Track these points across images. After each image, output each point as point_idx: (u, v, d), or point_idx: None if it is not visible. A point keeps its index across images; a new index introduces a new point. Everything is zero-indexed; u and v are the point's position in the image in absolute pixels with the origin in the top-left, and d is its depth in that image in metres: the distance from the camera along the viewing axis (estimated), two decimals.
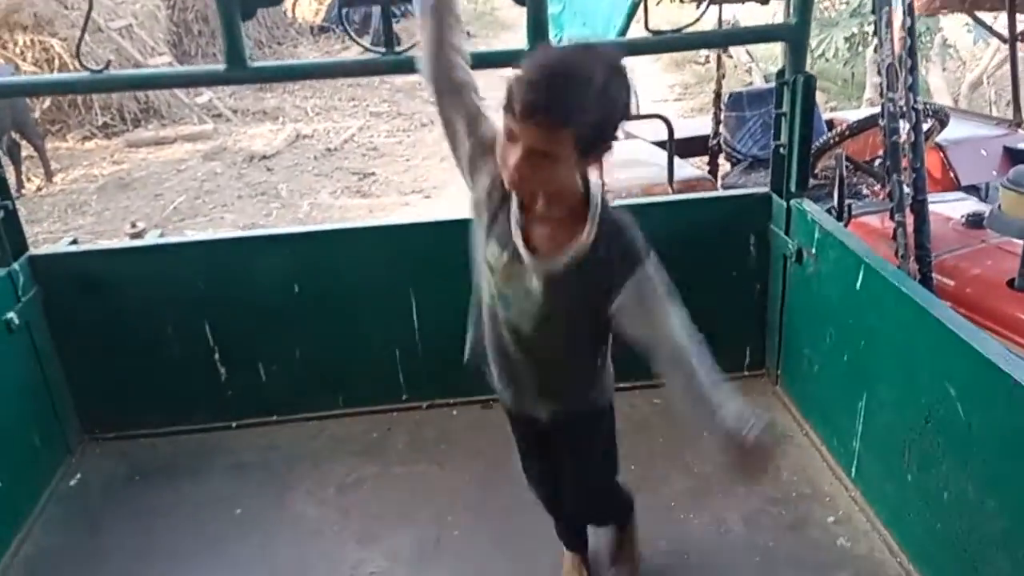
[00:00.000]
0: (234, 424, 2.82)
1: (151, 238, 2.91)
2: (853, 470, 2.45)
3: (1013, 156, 3.84)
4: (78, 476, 2.63)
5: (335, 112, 10.22)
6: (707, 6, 2.54)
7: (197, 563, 2.30)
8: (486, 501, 2.48)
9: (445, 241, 2.73)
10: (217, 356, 2.73)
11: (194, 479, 2.60)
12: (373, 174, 8.30)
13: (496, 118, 1.47)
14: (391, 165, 8.57)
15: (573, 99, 1.31)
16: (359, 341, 2.79)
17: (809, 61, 5.79)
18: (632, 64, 1.49)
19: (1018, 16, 3.85)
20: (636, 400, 2.79)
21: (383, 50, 2.37)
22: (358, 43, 2.43)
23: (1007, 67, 7.40)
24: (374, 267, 2.72)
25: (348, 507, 2.48)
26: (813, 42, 6.11)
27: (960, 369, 1.93)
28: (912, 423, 2.11)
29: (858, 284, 2.34)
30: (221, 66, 2.33)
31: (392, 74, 2.35)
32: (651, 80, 10.85)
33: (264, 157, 8.57)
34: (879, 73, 2.78)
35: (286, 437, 2.78)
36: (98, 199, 7.75)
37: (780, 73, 2.66)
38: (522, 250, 1.52)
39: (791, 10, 2.55)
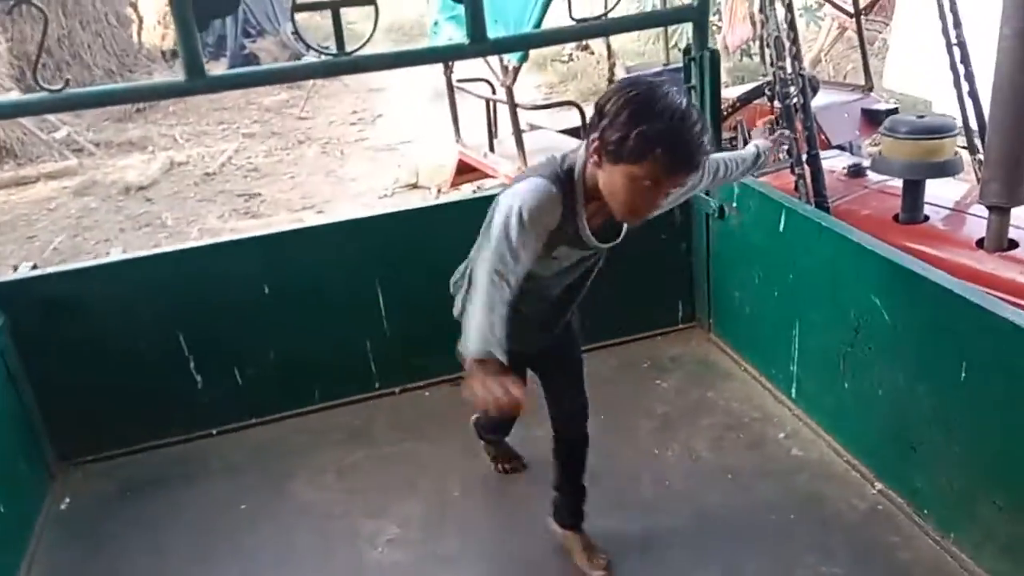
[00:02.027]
0: (215, 431, 2.86)
1: (115, 254, 2.88)
2: (793, 391, 2.80)
3: (869, 116, 4.39)
4: (67, 500, 2.61)
5: (206, 137, 9.98)
6: None
7: (215, 561, 2.36)
8: (477, 465, 2.65)
9: (405, 231, 2.93)
10: (192, 365, 2.77)
11: (188, 485, 2.64)
12: (259, 194, 8.21)
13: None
14: (275, 184, 8.49)
15: (703, 143, 1.63)
16: (330, 335, 2.89)
17: (667, 49, 6.28)
18: None
19: None
20: (599, 359, 3.05)
21: (335, 52, 2.51)
22: (313, 47, 2.54)
23: (839, 46, 8.25)
24: (339, 262, 2.84)
25: (351, 488, 2.60)
26: (669, 31, 6.61)
27: (882, 280, 2.29)
28: (844, 337, 2.47)
29: (781, 227, 2.69)
30: (181, 78, 2.40)
31: (350, 74, 2.48)
32: (518, 81, 11.21)
33: (141, 188, 8.29)
34: (767, 46, 3.16)
35: (270, 436, 2.86)
36: None
37: (687, 50, 2.97)
38: (600, 245, 1.85)
39: None
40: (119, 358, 2.70)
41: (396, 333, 2.96)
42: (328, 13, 2.40)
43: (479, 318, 1.59)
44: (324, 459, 2.72)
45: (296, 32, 2.51)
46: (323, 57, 2.55)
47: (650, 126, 1.56)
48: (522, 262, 1.64)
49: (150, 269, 2.72)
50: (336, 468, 2.68)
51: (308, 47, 2.44)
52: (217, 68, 13.17)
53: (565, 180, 1.73)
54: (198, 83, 2.43)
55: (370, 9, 2.48)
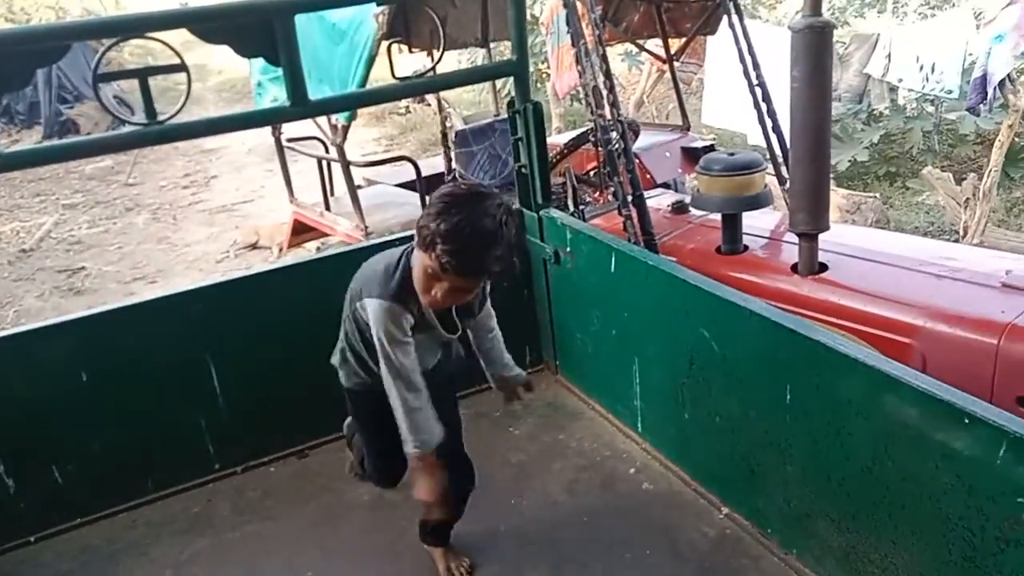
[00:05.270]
0: (32, 539, 2.59)
1: None
2: (639, 425, 2.87)
3: (689, 154, 4.65)
4: None
5: (20, 211, 9.29)
6: (442, 53, 2.86)
7: None
8: (328, 538, 2.55)
9: (235, 300, 2.80)
10: (2, 469, 2.51)
11: None
12: (83, 268, 7.71)
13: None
14: (102, 256, 8.00)
15: (490, 259, 1.72)
16: (160, 418, 2.70)
17: (496, 101, 6.44)
18: None
19: (670, 40, 4.68)
20: None
21: (146, 121, 2.39)
22: (122, 118, 2.41)
23: (660, 87, 8.77)
24: (164, 339, 2.67)
25: None
26: (499, 84, 6.81)
27: (709, 314, 2.40)
28: (679, 370, 2.56)
29: (612, 268, 2.77)
30: None
31: (162, 143, 2.36)
32: (354, 135, 11.16)
33: None
34: (586, 95, 3.29)
35: (99, 535, 2.61)
36: None
37: (511, 104, 3.04)
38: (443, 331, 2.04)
39: (512, 49, 2.96)
40: None
41: (234, 408, 2.81)
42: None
43: (414, 420, 1.89)
44: (161, 554, 2.52)
45: (101, 102, 2.34)
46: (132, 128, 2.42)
47: (446, 222, 1.67)
48: (412, 360, 1.91)
49: None
50: (175, 563, 2.48)
51: (116, 118, 2.30)
52: (32, 136, 12.34)
53: (399, 284, 1.87)
54: None
55: (200, 67, 2.39)
